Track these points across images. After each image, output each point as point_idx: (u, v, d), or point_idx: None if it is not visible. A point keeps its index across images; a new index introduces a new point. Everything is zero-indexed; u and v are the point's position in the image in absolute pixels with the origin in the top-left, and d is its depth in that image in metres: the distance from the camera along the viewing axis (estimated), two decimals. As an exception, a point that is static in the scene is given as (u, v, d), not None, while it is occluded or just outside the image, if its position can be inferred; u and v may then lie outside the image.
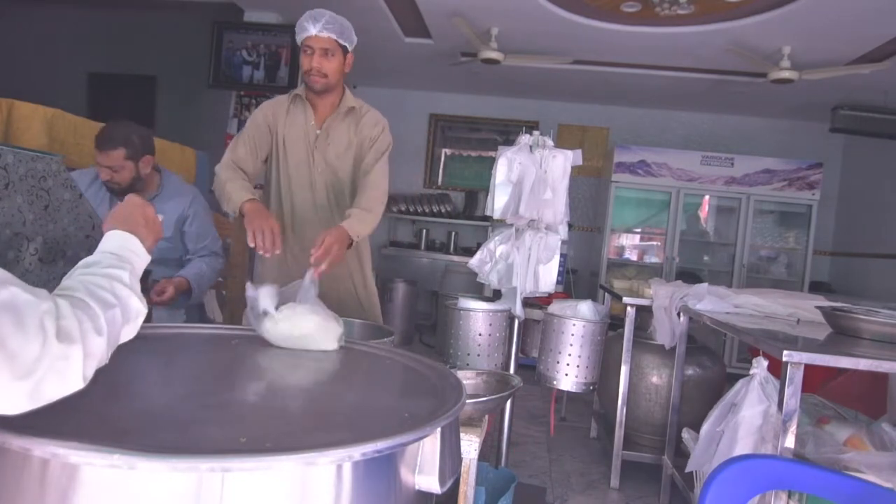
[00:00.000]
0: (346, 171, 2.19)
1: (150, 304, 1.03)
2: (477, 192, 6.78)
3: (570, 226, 2.28)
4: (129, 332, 0.85)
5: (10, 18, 6.52)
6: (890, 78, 4.85)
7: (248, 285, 1.39)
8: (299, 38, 2.08)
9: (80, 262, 0.89)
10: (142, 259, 0.97)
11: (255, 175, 2.16)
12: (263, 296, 1.35)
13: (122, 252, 0.93)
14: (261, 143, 2.15)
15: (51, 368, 0.68)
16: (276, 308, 1.35)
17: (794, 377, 1.55)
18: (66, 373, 0.70)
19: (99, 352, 0.76)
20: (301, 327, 1.33)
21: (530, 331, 2.35)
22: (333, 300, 2.04)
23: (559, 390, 2.07)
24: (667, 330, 2.76)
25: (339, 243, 1.82)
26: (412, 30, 5.06)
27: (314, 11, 2.04)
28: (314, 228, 2.10)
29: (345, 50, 2.10)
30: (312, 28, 2.01)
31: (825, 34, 4.29)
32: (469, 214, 6.75)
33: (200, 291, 2.39)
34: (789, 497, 1.60)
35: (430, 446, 0.89)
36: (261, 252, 1.81)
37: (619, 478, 2.94)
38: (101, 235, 0.98)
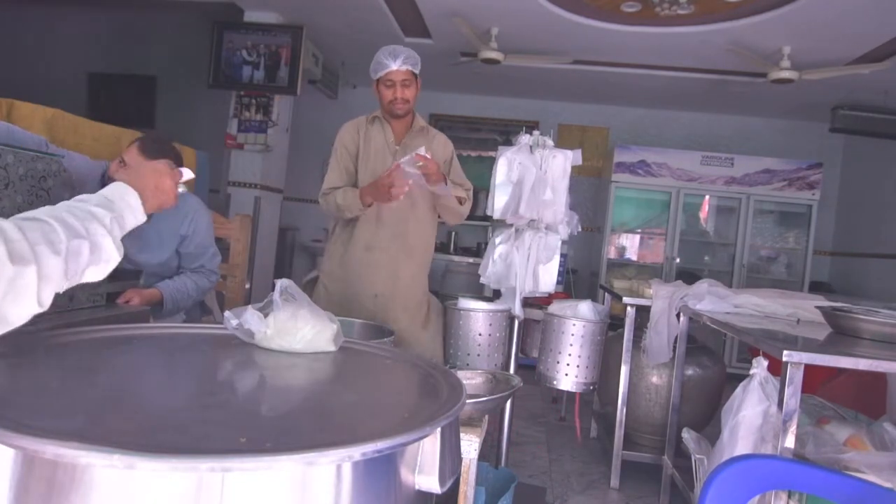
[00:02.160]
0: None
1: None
2: (477, 192, 6.73)
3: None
4: (96, 274, 0.84)
5: (10, 18, 6.52)
6: (890, 78, 4.85)
7: (227, 314, 1.30)
8: (377, 73, 2.29)
9: (76, 197, 0.88)
10: (135, 215, 0.96)
11: None
12: (247, 319, 1.29)
13: (117, 199, 0.93)
14: (348, 164, 2.42)
15: (8, 292, 0.67)
16: (265, 323, 1.29)
17: (794, 377, 1.55)
18: (22, 294, 0.70)
19: (56, 275, 0.74)
20: (292, 340, 1.29)
21: (530, 331, 2.35)
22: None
23: (558, 390, 2.07)
24: (663, 344, 2.70)
25: (438, 171, 2.15)
26: (412, 30, 5.05)
27: (391, 49, 2.27)
28: (385, 227, 2.37)
29: (415, 77, 2.35)
30: (392, 64, 2.25)
31: (825, 34, 4.29)
32: (469, 214, 6.73)
33: (175, 307, 2.23)
34: (789, 497, 1.60)
35: (430, 446, 0.89)
36: (397, 194, 2.07)
37: (619, 478, 2.94)
38: None
